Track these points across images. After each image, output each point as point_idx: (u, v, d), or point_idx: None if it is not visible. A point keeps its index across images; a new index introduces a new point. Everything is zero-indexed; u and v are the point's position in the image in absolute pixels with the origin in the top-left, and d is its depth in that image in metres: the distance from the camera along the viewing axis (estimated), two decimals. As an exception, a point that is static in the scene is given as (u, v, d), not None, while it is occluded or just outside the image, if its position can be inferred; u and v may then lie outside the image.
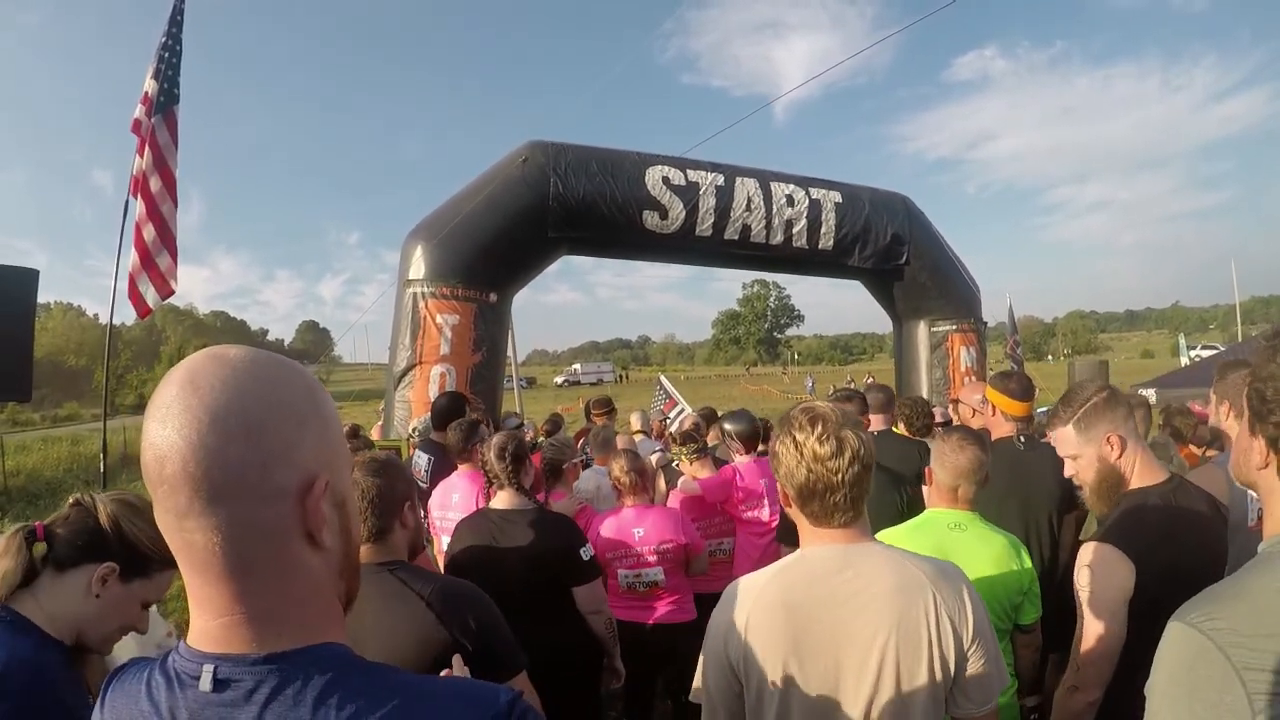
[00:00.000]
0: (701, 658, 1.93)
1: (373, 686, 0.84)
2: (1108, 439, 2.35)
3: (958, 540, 2.66)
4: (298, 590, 0.87)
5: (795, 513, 1.85)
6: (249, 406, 0.82)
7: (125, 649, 2.73)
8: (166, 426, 0.80)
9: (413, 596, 2.16)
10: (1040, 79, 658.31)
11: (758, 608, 1.77)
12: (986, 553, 2.67)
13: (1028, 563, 2.76)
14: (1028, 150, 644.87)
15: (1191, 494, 2.31)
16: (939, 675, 1.72)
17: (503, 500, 3.33)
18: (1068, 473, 2.50)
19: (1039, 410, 5.27)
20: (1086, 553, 2.28)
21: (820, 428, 1.74)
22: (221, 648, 0.83)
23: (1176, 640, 1.29)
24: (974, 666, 1.76)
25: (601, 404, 7.96)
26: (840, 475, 1.72)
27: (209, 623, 0.84)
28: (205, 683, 0.81)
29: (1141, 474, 2.34)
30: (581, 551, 3.26)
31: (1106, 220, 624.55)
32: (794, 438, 1.77)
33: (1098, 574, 2.22)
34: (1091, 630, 2.24)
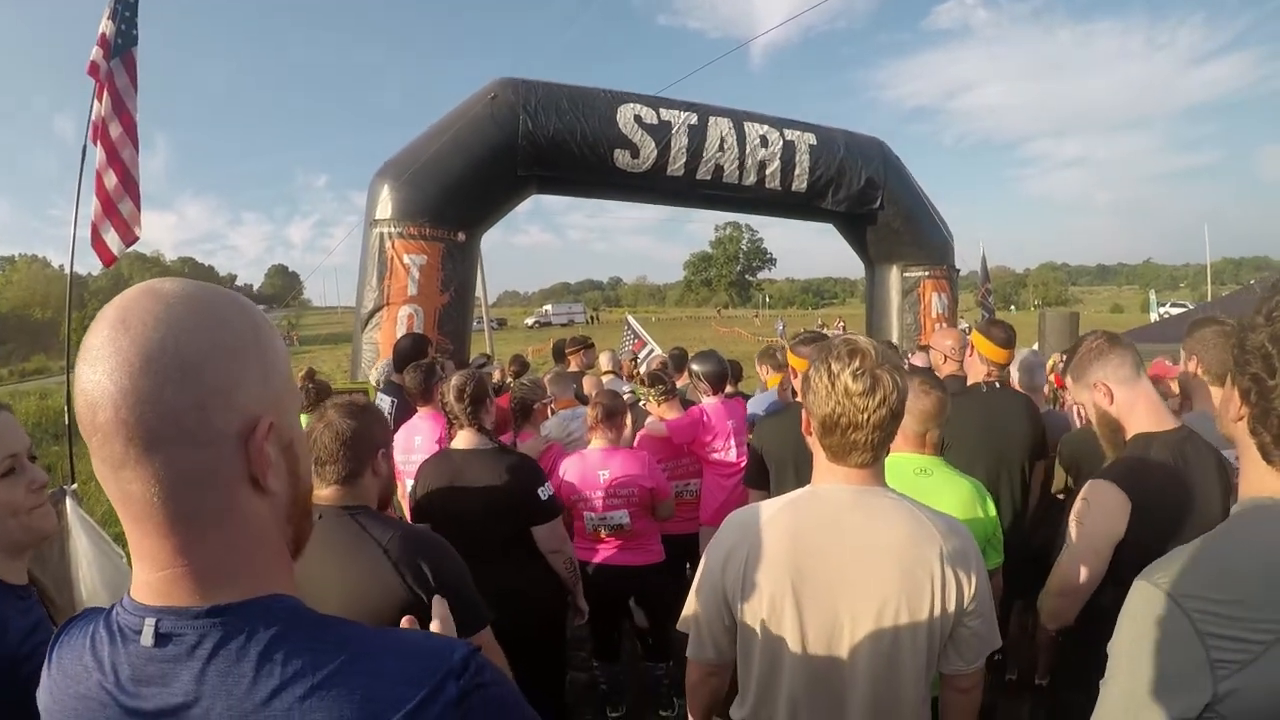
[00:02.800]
0: (694, 586, 1.89)
1: (320, 642, 0.79)
2: (1096, 386, 2.33)
3: (925, 485, 2.62)
4: (243, 539, 0.82)
5: (814, 443, 1.79)
6: (184, 345, 0.76)
7: (97, 598, 2.69)
8: (97, 370, 0.74)
9: (371, 543, 2.11)
10: (1022, 31, 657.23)
11: (762, 540, 1.73)
12: (954, 498, 2.66)
13: (991, 510, 2.76)
14: (1006, 103, 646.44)
15: (1200, 447, 2.26)
16: (937, 630, 1.70)
17: (463, 440, 3.29)
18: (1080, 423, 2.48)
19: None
20: (1088, 488, 2.26)
21: (858, 362, 1.66)
22: (164, 600, 0.79)
23: (1140, 600, 1.27)
24: (971, 625, 1.74)
25: (577, 342, 7.55)
26: (867, 414, 1.65)
27: (151, 575, 0.79)
28: (147, 637, 0.77)
29: (1145, 420, 2.29)
30: (540, 491, 3.22)
31: (1083, 176, 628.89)
32: (829, 367, 1.69)
33: (1093, 509, 2.20)
34: (1070, 562, 2.24)
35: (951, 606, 1.69)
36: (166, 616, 0.78)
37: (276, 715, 0.74)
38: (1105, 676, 1.34)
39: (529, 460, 3.40)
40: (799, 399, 3.57)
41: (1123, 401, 2.32)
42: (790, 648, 1.70)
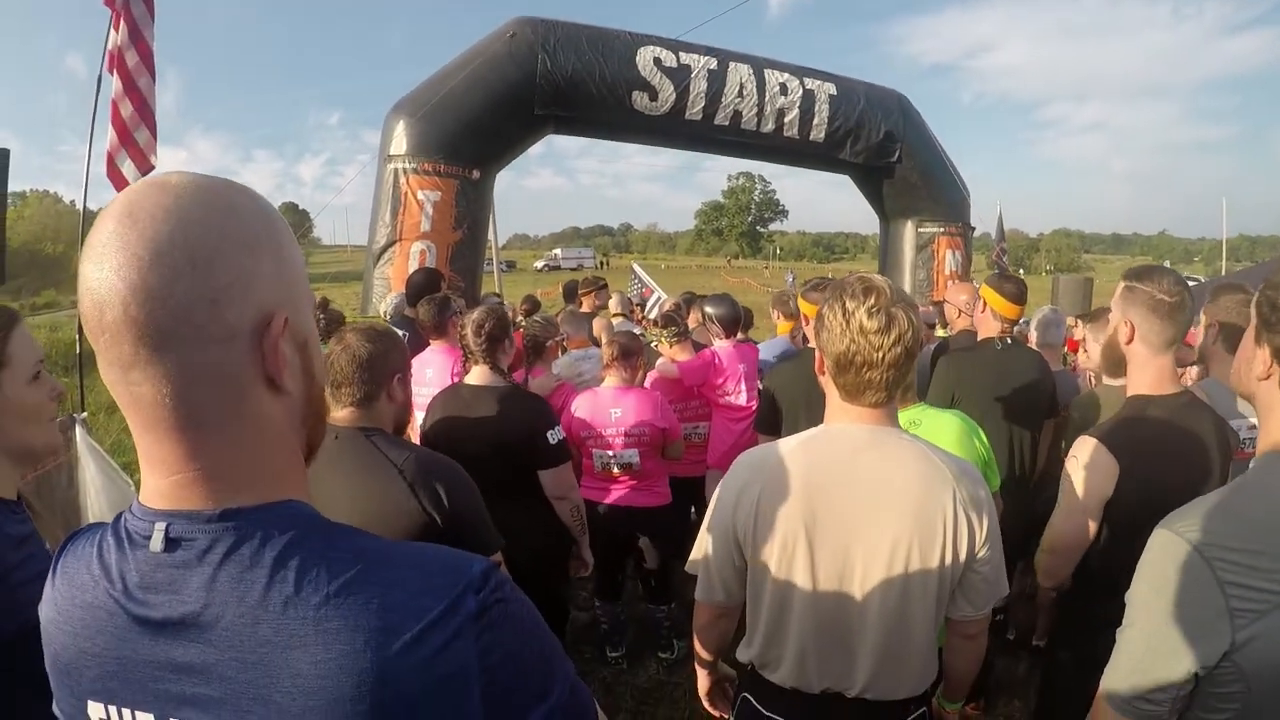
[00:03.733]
0: (704, 527, 1.88)
1: (335, 549, 0.76)
2: (1126, 320, 2.23)
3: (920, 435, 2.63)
4: (258, 442, 0.79)
5: (827, 382, 1.76)
6: (194, 236, 0.72)
7: (100, 515, 2.71)
8: (104, 267, 0.70)
9: (386, 464, 2.11)
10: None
11: (774, 479, 1.71)
12: (948, 439, 2.65)
13: (983, 437, 2.76)
14: (1027, 63, 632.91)
15: (1200, 413, 2.22)
16: (948, 574, 1.69)
17: (476, 375, 3.26)
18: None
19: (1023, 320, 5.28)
20: (1077, 445, 2.24)
21: (873, 300, 1.63)
22: (175, 505, 0.75)
23: (1161, 548, 1.28)
24: (981, 571, 1.73)
25: (590, 283, 7.45)
26: (881, 353, 1.62)
27: (161, 481, 0.76)
28: (156, 542, 0.74)
29: (1148, 383, 2.24)
30: (549, 434, 3.17)
31: (1101, 142, 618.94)
32: (843, 304, 1.65)
33: (1082, 468, 2.19)
34: (1061, 519, 2.24)
35: (963, 550, 1.68)
36: (177, 520, 0.75)
37: (291, 624, 0.71)
38: (1124, 623, 1.35)
39: (540, 402, 3.37)
40: (810, 345, 3.60)
41: (1140, 346, 2.23)
42: (800, 588, 1.70)
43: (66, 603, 0.81)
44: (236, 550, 0.73)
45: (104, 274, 0.70)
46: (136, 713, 0.76)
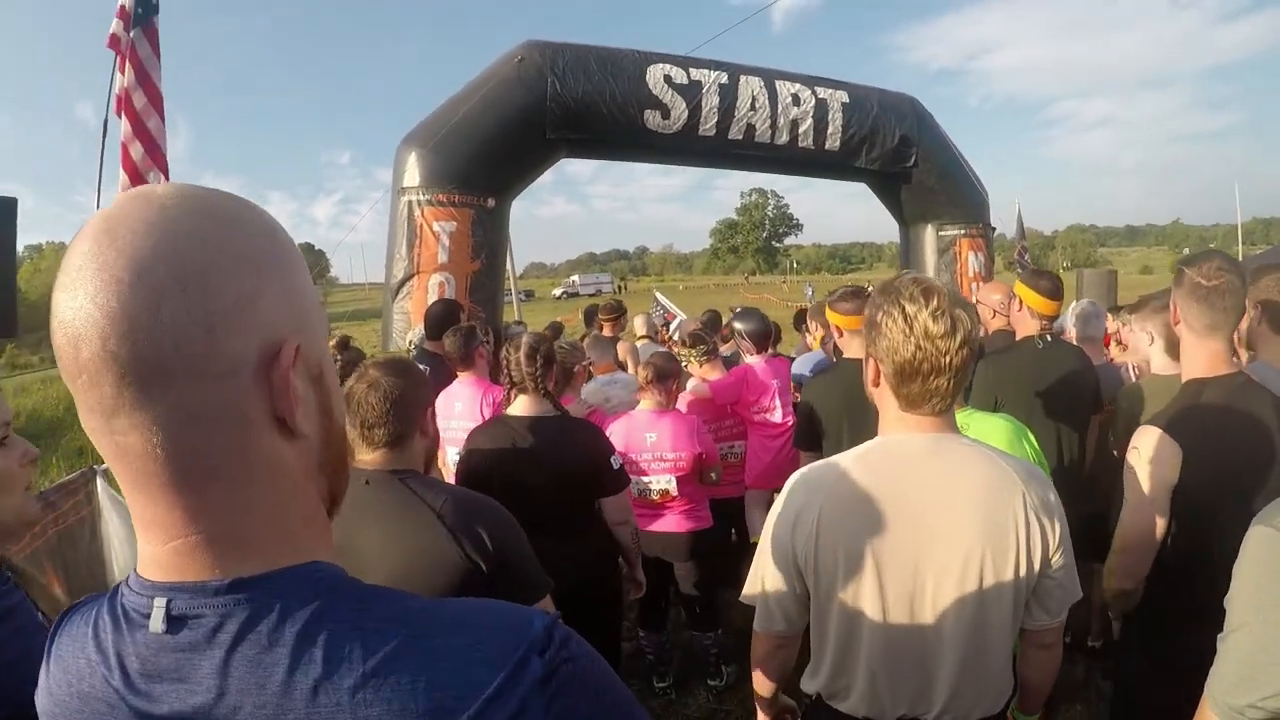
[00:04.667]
0: (758, 556, 1.77)
1: (370, 618, 0.65)
2: (1174, 305, 2.22)
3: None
4: (269, 496, 0.68)
5: (883, 393, 1.67)
6: (184, 252, 0.61)
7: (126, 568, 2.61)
8: (78, 295, 0.60)
9: (424, 508, 1.96)
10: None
11: (834, 497, 1.62)
12: (998, 439, 2.56)
13: (1031, 439, 2.67)
14: (1031, 64, 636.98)
15: (1258, 393, 2.14)
16: (1024, 584, 1.59)
17: (523, 406, 3.13)
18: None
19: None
20: (1137, 436, 2.17)
21: (935, 302, 1.55)
22: (176, 576, 0.65)
23: (1263, 546, 1.20)
24: (1055, 575, 1.64)
25: (610, 309, 7.38)
26: (949, 357, 1.54)
27: (159, 548, 0.65)
28: (157, 621, 0.64)
29: (1201, 367, 2.18)
30: (612, 460, 3.11)
31: (1109, 137, 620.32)
32: (903, 310, 1.56)
33: (1144, 458, 2.11)
34: (1131, 515, 2.16)
35: (1037, 557, 1.58)
36: (180, 595, 0.64)
37: (323, 713, 0.60)
38: (1227, 627, 1.25)
39: (598, 429, 3.28)
40: (846, 357, 3.50)
41: (1185, 340, 2.22)
42: (870, 611, 1.59)
43: (62, 692, 0.70)
44: (252, 628, 0.63)
45: (78, 302, 0.59)
46: None
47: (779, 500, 1.74)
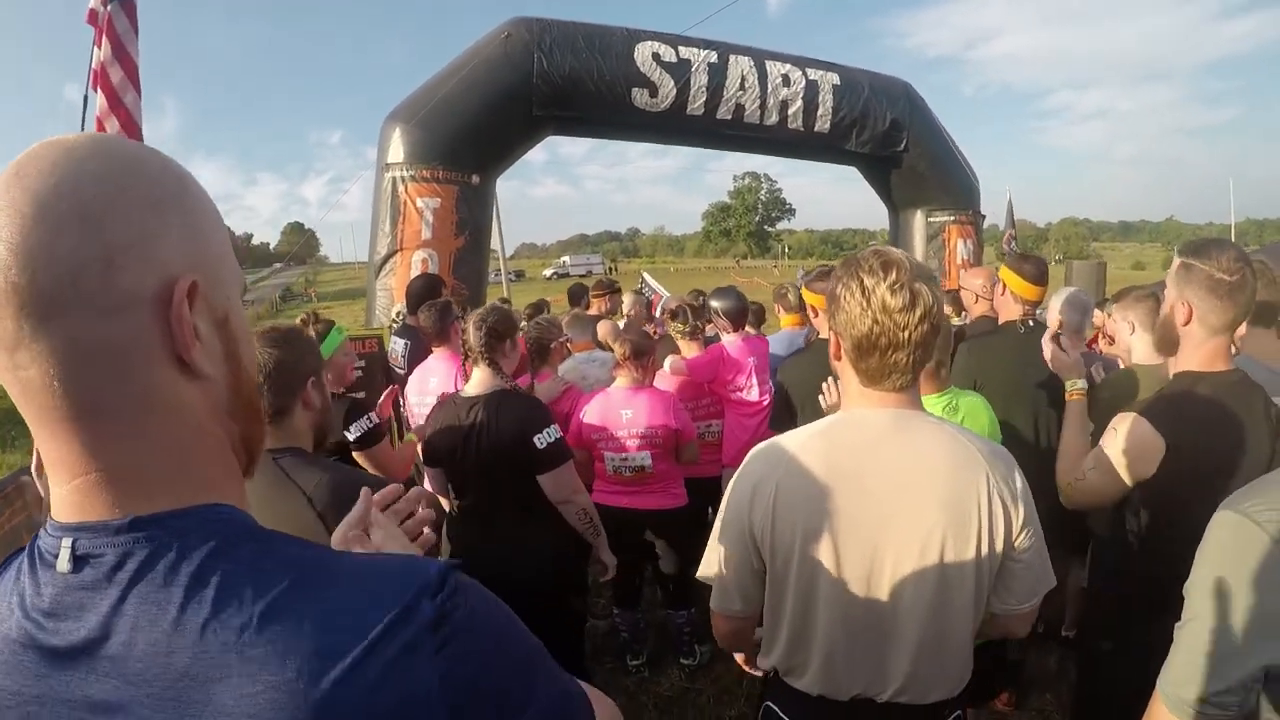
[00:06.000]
0: (716, 531, 1.73)
1: (266, 560, 0.67)
2: (1184, 300, 2.09)
3: (960, 424, 2.50)
4: (170, 434, 0.68)
5: (845, 368, 1.63)
6: (86, 190, 0.63)
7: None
8: None
9: (293, 489, 1.84)
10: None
11: (792, 472, 1.57)
12: (985, 418, 2.63)
13: (995, 418, 2.73)
14: (1028, 52, 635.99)
15: (1252, 392, 2.08)
16: (985, 565, 1.56)
17: (474, 382, 3.08)
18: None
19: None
20: (1118, 420, 2.12)
21: (894, 275, 1.50)
22: (80, 516, 0.66)
23: (1228, 532, 1.15)
24: (1021, 558, 1.61)
25: (603, 286, 7.27)
26: (908, 332, 1.49)
27: (64, 487, 0.67)
28: (63, 561, 0.65)
29: (1201, 358, 2.10)
30: (537, 438, 2.94)
31: (1106, 129, 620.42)
32: (861, 283, 1.52)
33: (1121, 445, 2.08)
34: (1097, 479, 2.17)
35: (1000, 539, 1.55)
36: (83, 535, 0.65)
37: (210, 652, 0.61)
38: (1185, 615, 1.20)
39: (529, 402, 3.16)
40: (822, 337, 3.48)
41: (1196, 327, 2.10)
42: (826, 590, 1.56)
43: None
44: (151, 566, 0.64)
45: None
46: None
47: (737, 474, 1.71)
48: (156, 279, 0.66)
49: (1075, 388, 2.51)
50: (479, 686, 0.67)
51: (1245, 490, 1.19)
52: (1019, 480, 1.61)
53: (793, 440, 1.64)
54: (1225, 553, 1.15)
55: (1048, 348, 2.68)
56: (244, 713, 0.60)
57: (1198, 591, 1.18)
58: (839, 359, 1.64)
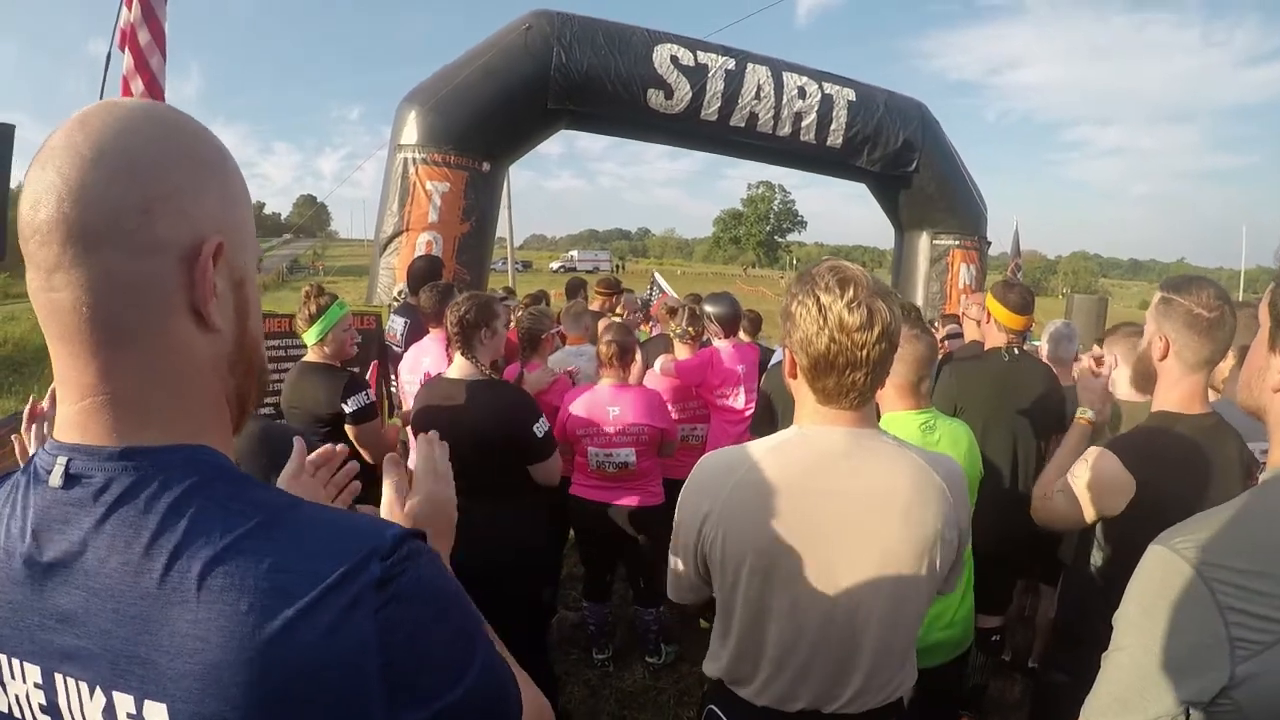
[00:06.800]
0: (671, 544, 1.75)
1: (237, 502, 0.71)
2: (1161, 334, 2.10)
3: (932, 441, 2.51)
4: (175, 374, 0.75)
5: (800, 385, 1.60)
6: (139, 146, 0.72)
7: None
8: (47, 169, 0.70)
9: None
10: (1076, 12, 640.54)
11: (742, 487, 1.56)
12: (964, 443, 2.60)
13: (978, 450, 2.71)
14: (1053, 84, 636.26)
15: (1226, 437, 2.07)
16: (939, 576, 1.59)
17: (457, 367, 3.15)
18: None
19: (1034, 343, 5.13)
20: (1090, 453, 2.12)
21: (851, 292, 1.46)
22: (79, 437, 0.73)
23: (1156, 566, 1.16)
24: (955, 565, 1.66)
25: (607, 284, 7.24)
26: (865, 351, 1.46)
27: (71, 407, 0.74)
28: (56, 477, 0.71)
29: (1178, 398, 2.11)
30: (536, 427, 3.07)
31: (1124, 166, 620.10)
32: (818, 300, 1.48)
33: (1092, 476, 2.08)
34: (1064, 505, 2.17)
35: (952, 550, 1.59)
36: (78, 455, 0.72)
37: (175, 579, 0.66)
38: (1111, 646, 1.22)
39: (520, 393, 3.25)
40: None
41: (1172, 364, 2.10)
42: (776, 607, 1.57)
43: None
44: (134, 494, 0.70)
45: (47, 174, 0.70)
46: (25, 665, 0.71)
47: (685, 488, 1.70)
48: (189, 231, 0.73)
49: (1084, 414, 2.49)
50: (412, 650, 0.70)
51: (1178, 526, 1.19)
52: (966, 494, 1.66)
53: (745, 457, 1.61)
54: (1150, 586, 1.15)
55: (1080, 368, 2.69)
56: (196, 636, 0.64)
57: (1123, 623, 1.20)
58: (794, 377, 1.61)
